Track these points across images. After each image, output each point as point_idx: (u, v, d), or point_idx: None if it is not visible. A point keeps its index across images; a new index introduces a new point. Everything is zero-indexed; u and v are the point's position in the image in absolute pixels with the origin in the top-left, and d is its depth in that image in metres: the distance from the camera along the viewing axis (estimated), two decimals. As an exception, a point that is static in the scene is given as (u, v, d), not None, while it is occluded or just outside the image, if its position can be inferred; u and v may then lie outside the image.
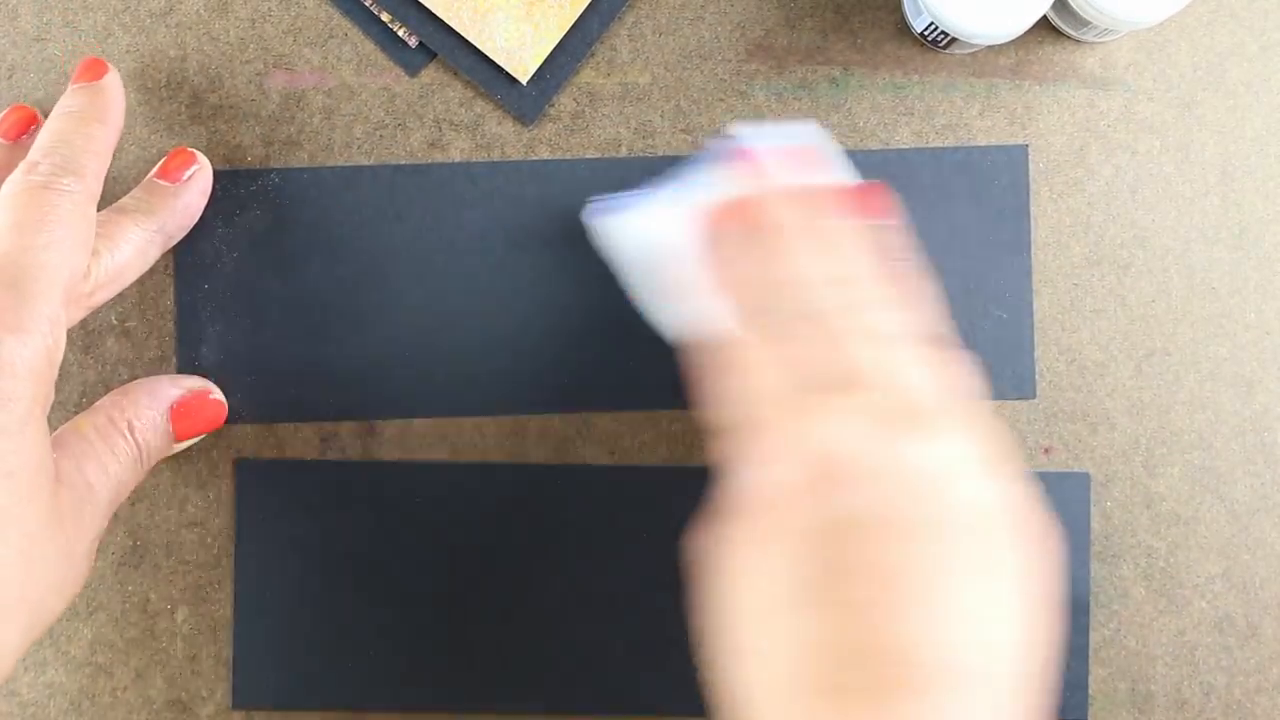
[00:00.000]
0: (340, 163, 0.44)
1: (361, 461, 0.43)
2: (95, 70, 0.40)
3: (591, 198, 0.41)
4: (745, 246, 0.35)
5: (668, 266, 0.37)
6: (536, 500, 0.43)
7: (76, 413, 0.41)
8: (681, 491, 0.43)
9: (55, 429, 0.37)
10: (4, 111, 0.42)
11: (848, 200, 0.36)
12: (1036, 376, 0.43)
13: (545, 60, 0.43)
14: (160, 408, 0.40)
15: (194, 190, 0.42)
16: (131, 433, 0.39)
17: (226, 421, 0.43)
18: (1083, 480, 0.43)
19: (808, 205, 0.35)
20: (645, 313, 0.39)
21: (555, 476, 0.43)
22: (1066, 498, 0.43)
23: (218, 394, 0.42)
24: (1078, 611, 0.43)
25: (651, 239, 0.38)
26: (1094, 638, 0.43)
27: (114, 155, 0.40)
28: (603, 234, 0.40)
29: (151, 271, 0.43)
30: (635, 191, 0.39)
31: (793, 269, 0.34)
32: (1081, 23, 0.41)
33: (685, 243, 0.37)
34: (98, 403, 0.40)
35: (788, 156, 0.38)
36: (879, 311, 0.33)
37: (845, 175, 0.39)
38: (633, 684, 0.43)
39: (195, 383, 0.42)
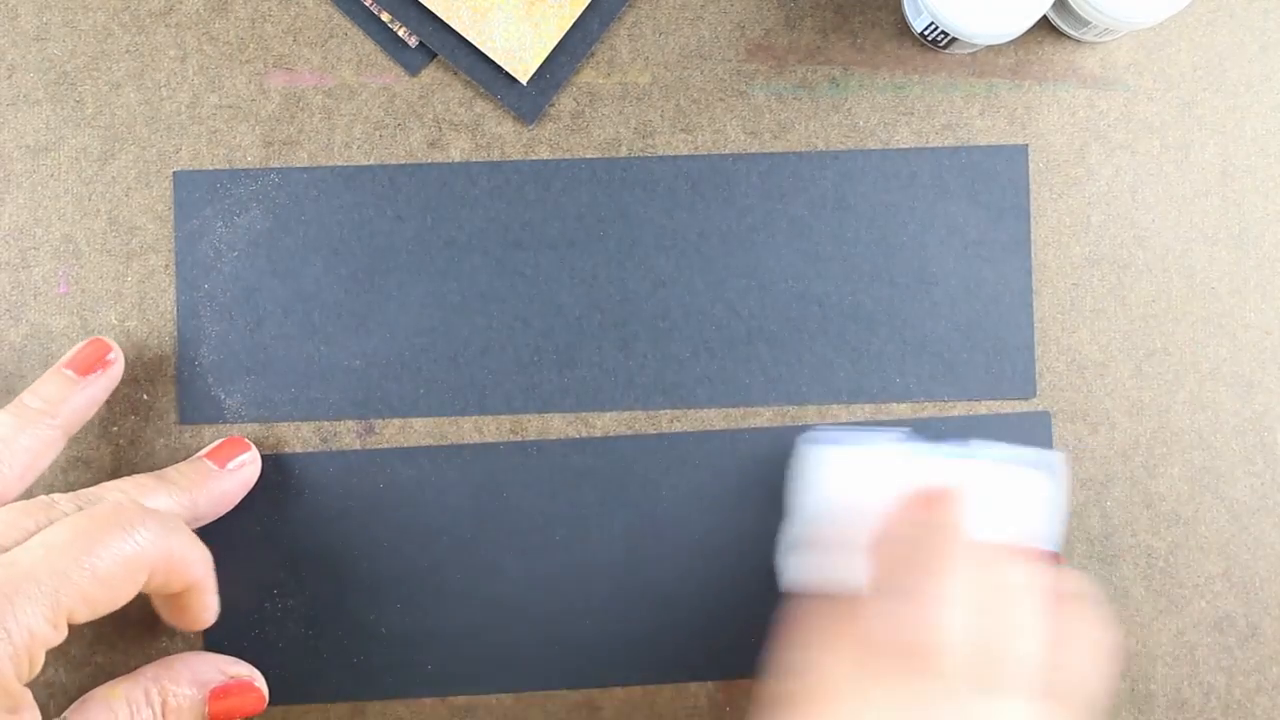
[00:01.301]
0: (340, 163, 0.44)
1: (354, 451, 0.43)
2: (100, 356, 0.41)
3: (817, 428, 0.42)
4: (914, 538, 0.36)
5: (846, 515, 0.38)
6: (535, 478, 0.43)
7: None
8: (663, 459, 0.43)
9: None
10: (83, 344, 0.41)
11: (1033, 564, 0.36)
12: (1036, 376, 0.43)
13: (545, 60, 0.43)
14: (200, 689, 0.39)
15: (235, 480, 0.41)
16: (163, 712, 0.38)
17: (227, 421, 0.43)
18: (1045, 419, 0.43)
19: (991, 552, 0.36)
20: (779, 549, 0.40)
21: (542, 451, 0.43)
22: (1028, 438, 0.43)
23: (261, 683, 0.41)
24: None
25: (850, 484, 0.39)
26: (1094, 638, 0.43)
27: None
28: (808, 461, 0.40)
29: (151, 271, 0.43)
30: (861, 430, 0.41)
31: (937, 585, 0.35)
32: (1081, 23, 0.41)
33: (876, 503, 0.38)
34: (137, 671, 0.39)
35: (1006, 507, 0.39)
36: (996, 667, 0.33)
37: (1049, 532, 0.39)
38: (616, 659, 0.43)
39: (241, 669, 0.41)
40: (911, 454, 0.40)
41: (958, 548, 0.35)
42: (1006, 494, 0.39)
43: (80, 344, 0.41)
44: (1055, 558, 0.40)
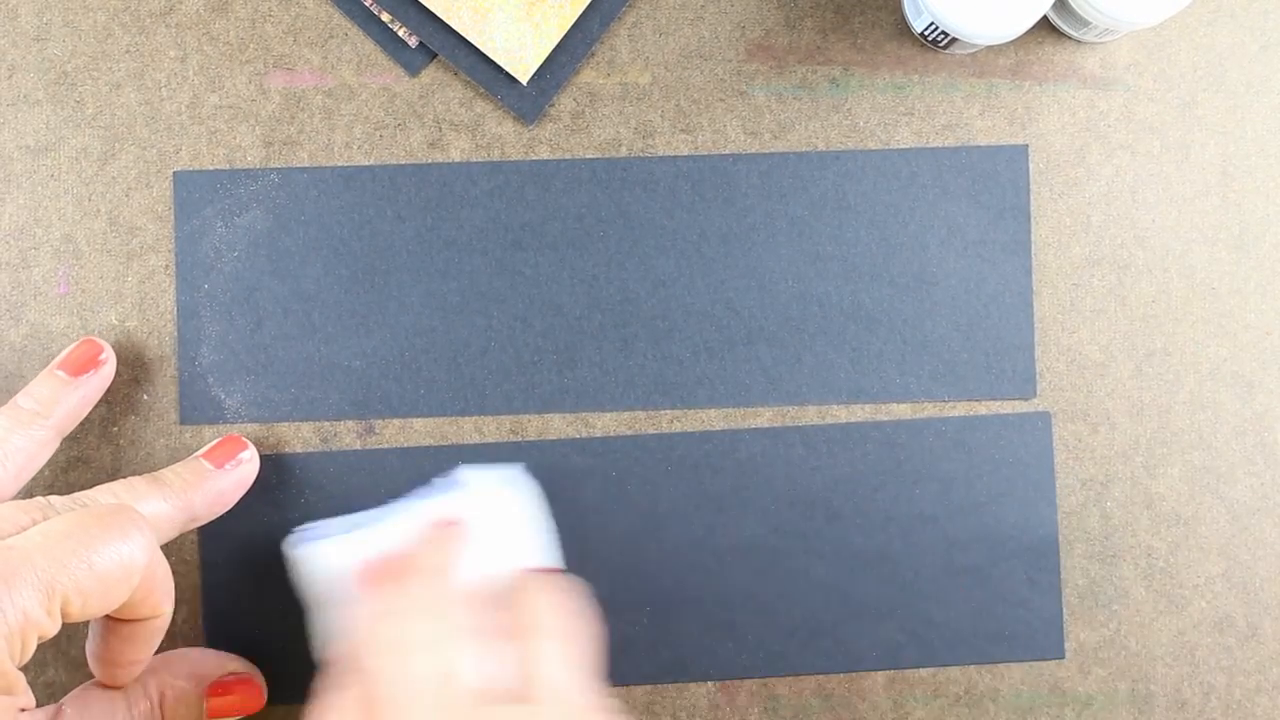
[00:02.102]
0: (340, 163, 0.44)
1: (354, 451, 0.43)
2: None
3: (297, 528, 0.40)
4: (375, 604, 0.36)
5: (333, 606, 0.38)
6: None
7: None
8: (663, 459, 0.43)
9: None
10: (75, 345, 0.41)
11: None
12: (1036, 376, 0.43)
13: (545, 60, 0.43)
14: (199, 683, 0.39)
15: (232, 479, 0.41)
16: (160, 704, 0.38)
17: (227, 421, 0.43)
18: (1045, 419, 0.43)
19: (440, 579, 0.36)
20: (314, 640, 0.39)
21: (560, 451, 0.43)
22: (1028, 438, 0.43)
23: (260, 680, 0.41)
24: (1047, 551, 0.43)
25: (329, 576, 0.39)
26: (1094, 637, 0.43)
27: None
28: (294, 563, 0.40)
29: (151, 271, 0.43)
30: (339, 520, 0.40)
31: (398, 634, 0.34)
32: (1082, 23, 0.41)
33: (348, 588, 0.38)
34: None
35: (456, 529, 0.38)
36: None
37: (538, 548, 0.39)
38: (617, 659, 0.43)
39: (240, 665, 0.40)
40: (393, 517, 0.39)
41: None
42: (489, 524, 0.39)
43: (72, 345, 0.41)
44: (553, 570, 0.39)
